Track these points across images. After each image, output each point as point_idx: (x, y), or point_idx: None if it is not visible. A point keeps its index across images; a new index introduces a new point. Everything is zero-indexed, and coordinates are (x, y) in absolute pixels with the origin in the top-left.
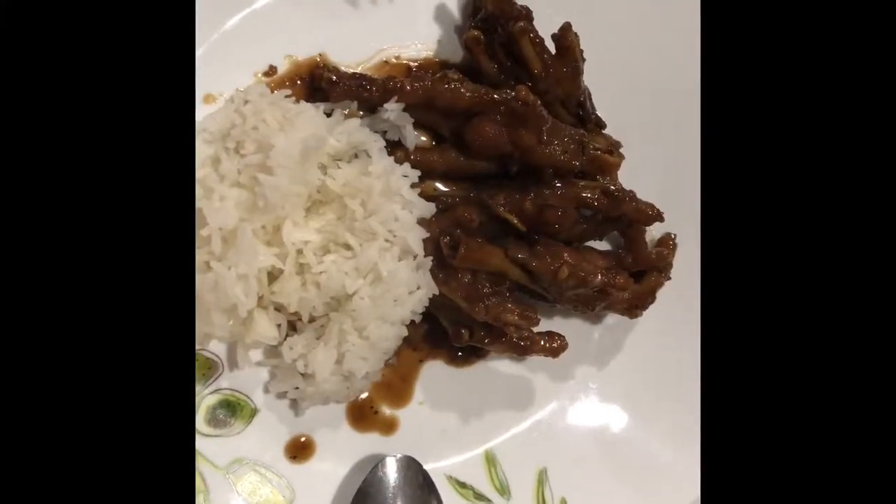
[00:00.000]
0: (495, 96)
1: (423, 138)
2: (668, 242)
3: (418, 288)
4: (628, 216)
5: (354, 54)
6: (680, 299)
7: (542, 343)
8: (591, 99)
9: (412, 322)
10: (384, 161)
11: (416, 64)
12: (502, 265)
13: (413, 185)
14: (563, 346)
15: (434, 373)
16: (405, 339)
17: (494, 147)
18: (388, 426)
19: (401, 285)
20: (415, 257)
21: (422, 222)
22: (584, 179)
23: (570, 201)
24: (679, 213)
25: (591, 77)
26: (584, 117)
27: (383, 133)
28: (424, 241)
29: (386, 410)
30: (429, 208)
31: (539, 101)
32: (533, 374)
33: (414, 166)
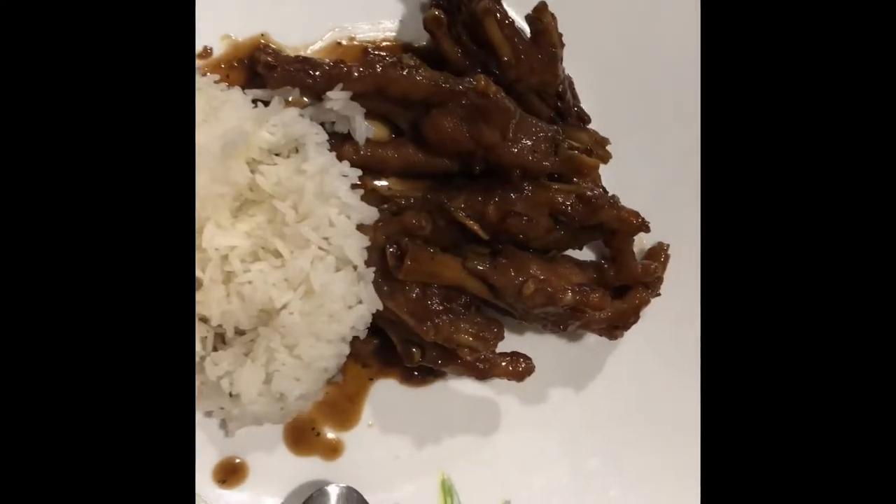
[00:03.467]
0: (456, 86)
1: (383, 131)
2: (659, 254)
3: (359, 302)
4: (608, 225)
5: (303, 35)
6: (672, 318)
7: (504, 365)
8: (573, 89)
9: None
10: (321, 158)
11: (372, 46)
12: (458, 278)
13: (354, 186)
14: (528, 370)
15: (386, 392)
16: (352, 355)
17: (454, 143)
18: (332, 450)
19: (337, 300)
20: (355, 268)
21: (363, 228)
22: (559, 182)
23: (540, 207)
24: (676, 220)
25: (574, 65)
26: (565, 110)
27: (331, 124)
28: (368, 249)
29: (329, 433)
30: (371, 213)
31: (503, 92)
32: (499, 395)
33: (366, 162)
